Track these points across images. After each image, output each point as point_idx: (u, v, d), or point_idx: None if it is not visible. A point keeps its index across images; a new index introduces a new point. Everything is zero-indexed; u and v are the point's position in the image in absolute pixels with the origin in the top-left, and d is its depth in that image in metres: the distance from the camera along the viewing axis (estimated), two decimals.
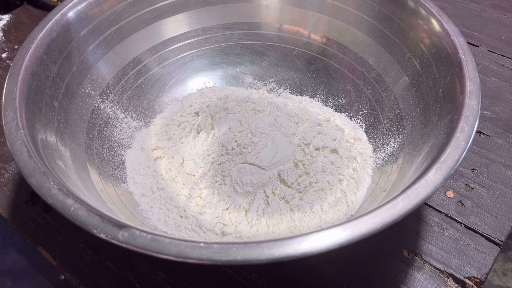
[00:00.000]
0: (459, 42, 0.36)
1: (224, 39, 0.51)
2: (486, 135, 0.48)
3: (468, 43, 0.37)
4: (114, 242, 0.24)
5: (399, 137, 0.41)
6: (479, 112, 0.31)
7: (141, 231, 0.24)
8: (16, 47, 0.60)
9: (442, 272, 0.37)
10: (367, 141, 0.45)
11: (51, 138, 0.34)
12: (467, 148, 0.29)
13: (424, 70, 0.39)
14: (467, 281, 0.36)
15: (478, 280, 0.36)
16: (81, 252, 0.38)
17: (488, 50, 0.58)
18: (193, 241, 0.24)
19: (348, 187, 0.40)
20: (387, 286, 0.36)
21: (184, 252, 0.23)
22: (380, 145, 0.44)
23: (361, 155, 0.43)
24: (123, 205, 0.37)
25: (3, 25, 0.63)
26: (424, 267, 0.37)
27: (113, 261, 0.37)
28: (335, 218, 0.37)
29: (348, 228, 0.24)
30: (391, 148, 0.42)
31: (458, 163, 0.28)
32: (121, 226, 0.25)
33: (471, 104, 0.31)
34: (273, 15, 0.50)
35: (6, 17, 0.64)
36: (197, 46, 0.51)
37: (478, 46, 0.59)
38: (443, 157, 0.28)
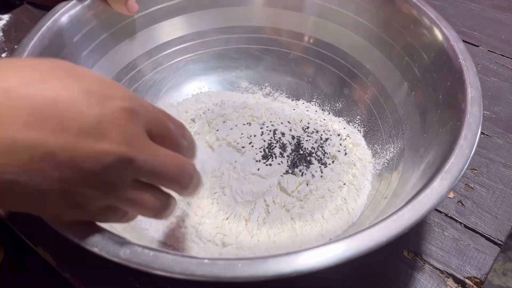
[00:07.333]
0: (459, 47, 0.35)
1: (219, 43, 0.50)
2: (486, 135, 0.48)
3: (468, 43, 0.36)
4: (116, 260, 0.24)
5: (398, 142, 0.41)
6: (482, 118, 0.31)
7: (143, 247, 0.24)
8: (16, 47, 0.58)
9: (442, 272, 0.36)
10: (366, 146, 0.45)
11: None
12: (471, 156, 0.28)
13: (423, 75, 0.39)
14: (467, 281, 0.36)
15: (478, 280, 0.36)
16: (81, 252, 0.37)
17: (488, 50, 0.58)
18: (197, 258, 0.23)
19: (348, 194, 0.39)
20: (387, 286, 0.36)
21: (189, 269, 0.23)
22: (379, 150, 0.43)
23: (360, 160, 0.43)
24: None
25: (3, 25, 0.62)
26: (424, 267, 0.37)
27: (113, 261, 0.37)
28: (337, 226, 0.37)
29: (355, 241, 0.24)
30: (390, 154, 0.41)
31: (463, 172, 0.27)
32: (122, 243, 0.24)
33: (473, 111, 0.31)
34: (269, 19, 0.49)
35: (6, 17, 0.63)
36: (192, 51, 0.50)
37: (478, 46, 0.59)
38: (448, 166, 0.27)
